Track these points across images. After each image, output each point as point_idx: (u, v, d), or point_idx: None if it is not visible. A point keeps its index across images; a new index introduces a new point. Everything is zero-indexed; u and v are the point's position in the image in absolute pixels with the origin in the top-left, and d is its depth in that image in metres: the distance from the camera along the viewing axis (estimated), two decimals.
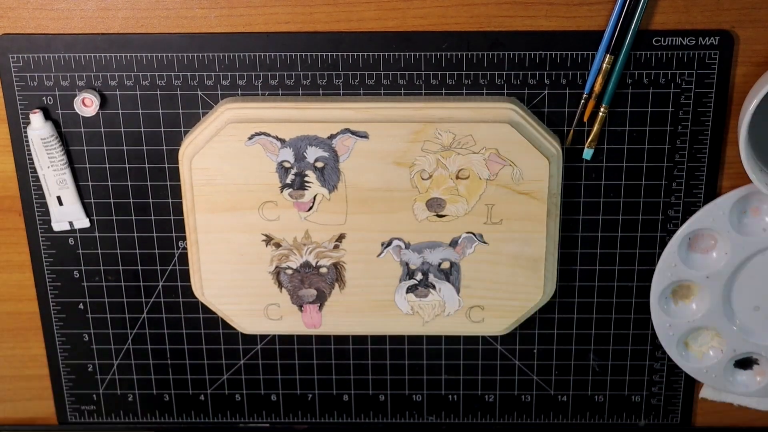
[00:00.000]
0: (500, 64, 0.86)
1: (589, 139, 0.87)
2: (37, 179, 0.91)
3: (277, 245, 0.90)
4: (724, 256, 0.90)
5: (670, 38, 0.84)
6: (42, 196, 0.91)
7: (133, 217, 0.92)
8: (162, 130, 0.89)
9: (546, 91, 0.87)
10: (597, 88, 0.85)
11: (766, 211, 0.89)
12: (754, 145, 0.84)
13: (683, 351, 0.95)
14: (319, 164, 0.87)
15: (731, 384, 0.96)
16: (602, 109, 0.86)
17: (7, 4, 0.85)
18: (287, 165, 0.87)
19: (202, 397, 1.00)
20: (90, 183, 0.91)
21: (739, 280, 0.92)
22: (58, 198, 0.90)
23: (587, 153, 0.88)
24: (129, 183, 0.91)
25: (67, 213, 0.91)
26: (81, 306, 0.96)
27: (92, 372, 0.99)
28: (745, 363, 0.96)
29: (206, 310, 0.95)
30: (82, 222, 0.92)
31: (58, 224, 0.92)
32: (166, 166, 0.90)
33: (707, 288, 0.92)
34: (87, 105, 0.87)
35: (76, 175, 0.91)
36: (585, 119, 0.86)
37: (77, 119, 0.89)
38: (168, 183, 0.91)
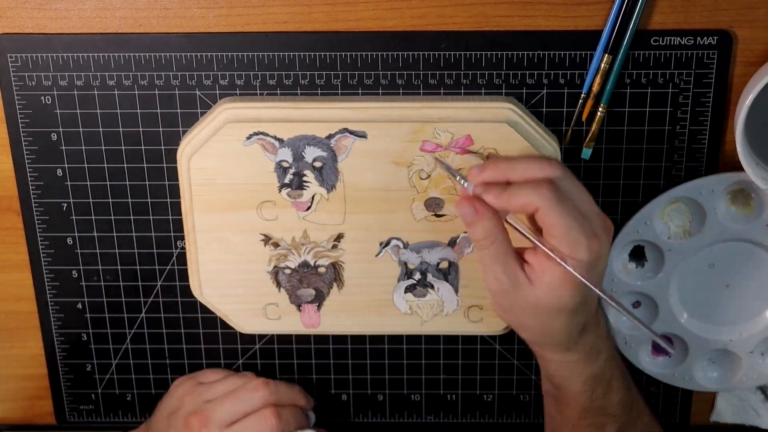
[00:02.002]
0: (498, 63, 0.86)
1: (588, 139, 0.87)
2: (36, 179, 0.91)
3: (276, 245, 0.90)
4: (659, 262, 0.91)
5: (668, 38, 0.84)
6: (40, 196, 0.91)
7: (132, 217, 0.92)
8: (160, 129, 0.89)
9: (544, 91, 0.87)
10: (595, 87, 0.85)
11: (691, 215, 0.89)
12: (751, 140, 0.84)
13: (647, 358, 0.95)
14: (318, 164, 0.87)
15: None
16: (600, 109, 0.86)
17: (6, 4, 0.85)
18: (285, 165, 0.87)
19: None
20: (88, 183, 0.91)
21: (683, 283, 0.92)
22: None
23: (585, 152, 0.88)
24: (127, 183, 0.91)
25: None
26: (79, 306, 0.96)
27: (91, 371, 0.99)
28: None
29: (205, 309, 0.95)
30: None
31: None
32: (165, 165, 0.90)
33: (652, 295, 0.92)
34: None
35: (75, 176, 0.91)
36: (583, 119, 0.86)
37: (75, 119, 0.89)
38: (166, 183, 0.91)
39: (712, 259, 0.91)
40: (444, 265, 0.90)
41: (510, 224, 0.79)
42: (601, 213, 0.78)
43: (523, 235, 0.78)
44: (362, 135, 0.86)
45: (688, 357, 0.94)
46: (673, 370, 0.95)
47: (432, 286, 0.91)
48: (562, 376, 0.85)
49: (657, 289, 0.91)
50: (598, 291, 0.78)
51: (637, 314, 0.93)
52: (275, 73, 0.87)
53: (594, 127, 0.87)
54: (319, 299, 0.92)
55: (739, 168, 0.83)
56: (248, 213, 0.88)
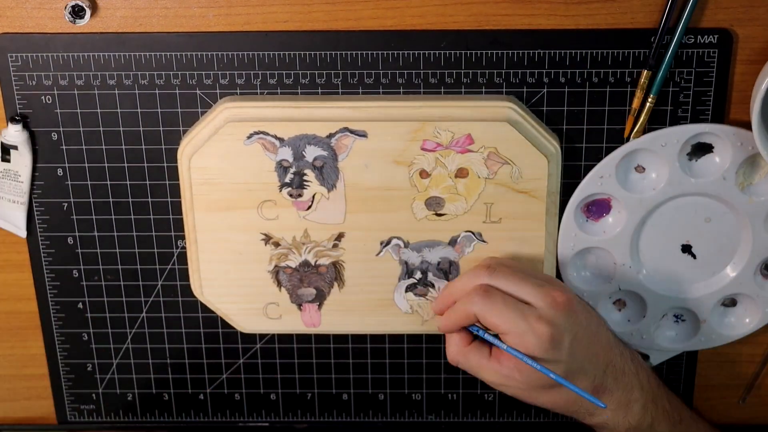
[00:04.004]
0: (499, 62, 0.86)
1: (636, 130, 0.87)
2: (36, 178, 0.91)
3: (276, 244, 0.90)
4: (620, 217, 0.89)
5: (668, 36, 0.84)
6: (41, 196, 0.91)
7: (132, 217, 0.92)
8: (161, 129, 0.89)
9: (545, 90, 0.87)
10: (635, 103, 0.86)
11: (651, 169, 0.88)
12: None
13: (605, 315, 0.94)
14: (318, 163, 0.87)
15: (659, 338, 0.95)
16: (650, 100, 0.85)
17: (6, 4, 0.85)
18: (286, 164, 0.87)
19: (201, 397, 1.00)
20: (89, 182, 0.91)
21: (642, 239, 0.91)
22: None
23: None
24: (128, 182, 0.91)
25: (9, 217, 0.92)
26: (80, 305, 0.96)
27: (91, 371, 0.99)
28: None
29: (205, 309, 0.95)
30: (20, 232, 0.93)
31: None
32: (165, 165, 0.90)
33: (612, 251, 0.91)
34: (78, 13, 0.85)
35: (75, 175, 0.91)
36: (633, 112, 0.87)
37: (76, 118, 0.89)
38: (167, 182, 0.91)
39: (673, 213, 0.90)
40: (445, 264, 0.90)
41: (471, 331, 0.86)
42: (546, 292, 0.82)
43: (480, 338, 0.86)
44: (363, 134, 0.86)
45: (646, 315, 0.93)
46: (630, 328, 0.94)
47: (433, 285, 0.91)
48: None
49: (616, 243, 0.90)
50: (556, 377, 0.81)
51: (598, 270, 0.92)
52: (275, 72, 0.87)
53: (643, 118, 0.86)
54: (319, 298, 0.92)
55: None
56: (249, 212, 0.88)
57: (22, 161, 0.89)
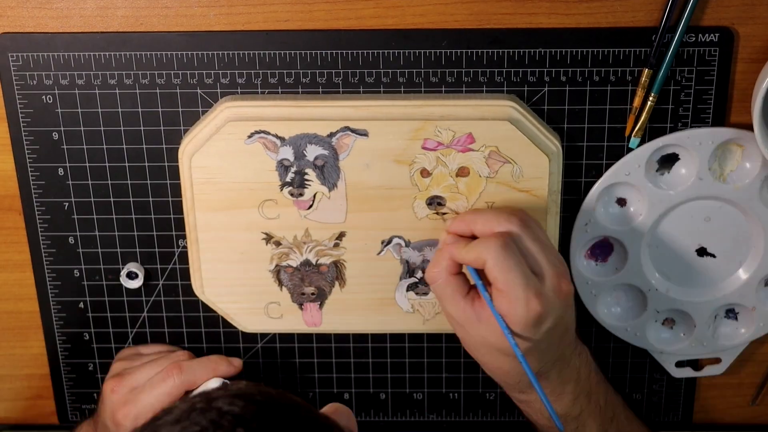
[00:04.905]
0: (500, 61, 0.86)
1: (637, 128, 0.87)
2: (38, 178, 0.91)
3: (277, 243, 0.90)
4: (641, 209, 0.89)
5: (669, 35, 0.84)
6: (42, 195, 0.91)
7: (133, 216, 0.92)
8: (161, 128, 0.89)
9: (546, 89, 0.87)
10: (636, 102, 0.86)
11: (680, 165, 0.89)
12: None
13: (605, 309, 0.94)
14: (319, 162, 0.87)
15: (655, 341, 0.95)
16: (651, 98, 0.85)
17: (7, 3, 0.85)
18: (287, 163, 0.87)
19: None
20: (90, 182, 0.91)
21: (658, 236, 0.91)
22: None
23: (633, 142, 0.87)
24: (129, 181, 0.91)
25: None
26: (81, 305, 0.96)
27: (93, 371, 0.99)
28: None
29: (206, 308, 0.95)
30: None
31: None
32: (166, 164, 0.90)
33: (627, 244, 0.91)
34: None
35: (76, 175, 0.91)
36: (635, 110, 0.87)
37: (77, 118, 0.89)
38: (168, 181, 0.91)
39: (689, 215, 0.90)
40: None
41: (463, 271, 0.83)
42: (558, 274, 0.80)
43: (474, 283, 0.81)
44: (364, 133, 0.86)
45: (644, 312, 0.93)
46: (626, 323, 0.94)
47: None
48: (527, 413, 0.90)
49: (631, 236, 0.90)
50: (519, 354, 0.80)
51: (608, 257, 0.93)
52: (276, 71, 0.87)
53: (644, 116, 0.86)
54: (321, 298, 0.92)
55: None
56: (250, 212, 0.88)
57: None
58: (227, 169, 0.87)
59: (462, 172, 0.87)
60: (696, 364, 0.97)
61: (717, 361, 0.96)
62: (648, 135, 0.88)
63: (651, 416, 1.00)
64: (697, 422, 1.00)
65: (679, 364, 0.96)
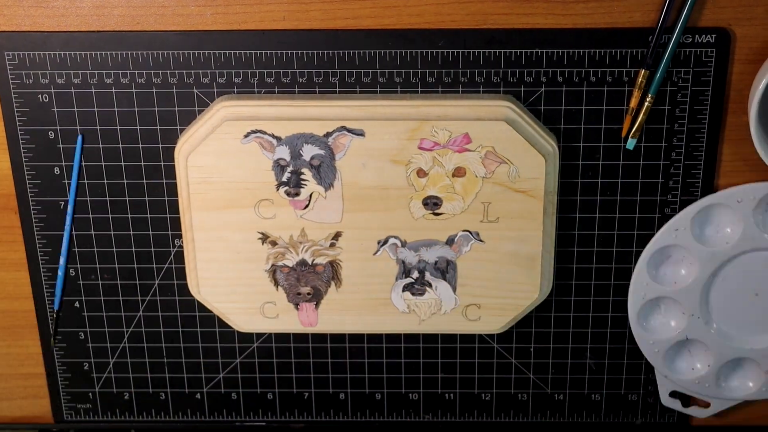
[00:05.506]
0: (496, 61, 0.86)
1: (634, 129, 0.87)
2: (33, 177, 0.91)
3: (273, 243, 0.90)
4: (693, 269, 0.91)
5: (666, 36, 0.84)
6: (38, 194, 0.91)
7: (129, 215, 0.92)
8: (158, 127, 0.89)
9: (542, 89, 0.87)
10: (633, 103, 0.86)
11: (725, 223, 0.90)
12: (765, 124, 0.84)
13: (671, 364, 0.95)
14: (315, 162, 0.87)
15: (725, 390, 0.96)
16: (648, 99, 0.85)
17: (3, 2, 0.85)
18: (283, 163, 0.87)
19: (198, 396, 1.00)
20: (86, 181, 0.91)
21: (713, 291, 0.92)
22: None
23: (630, 143, 0.87)
24: (125, 181, 0.91)
25: None
26: (77, 304, 0.96)
27: (88, 370, 0.99)
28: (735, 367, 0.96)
29: (202, 308, 0.95)
30: None
31: None
32: (162, 164, 0.90)
33: (682, 302, 0.92)
34: None
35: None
36: (623, 134, 0.87)
37: (72, 117, 0.88)
38: (164, 181, 0.91)
39: (744, 266, 0.91)
40: (442, 263, 0.90)
41: None
42: None
43: None
44: (360, 133, 0.85)
45: (711, 365, 0.94)
46: (695, 376, 0.95)
47: (430, 285, 0.91)
48: None
49: (686, 294, 0.91)
50: None
51: (666, 319, 0.94)
52: (273, 71, 0.87)
53: (641, 117, 0.86)
54: (316, 298, 0.92)
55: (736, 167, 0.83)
56: (246, 211, 0.88)
57: None
58: (223, 168, 0.87)
59: (458, 172, 0.87)
60: (687, 400, 0.97)
61: (707, 404, 0.97)
62: (644, 136, 0.88)
63: (647, 417, 1.00)
64: (693, 423, 1.00)
65: (673, 395, 0.97)
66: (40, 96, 0.88)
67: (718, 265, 0.91)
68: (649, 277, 0.91)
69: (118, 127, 0.89)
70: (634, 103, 0.86)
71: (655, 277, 0.92)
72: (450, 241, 0.89)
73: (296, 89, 0.87)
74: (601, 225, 0.92)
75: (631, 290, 0.92)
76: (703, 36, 0.84)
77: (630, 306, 0.93)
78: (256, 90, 0.87)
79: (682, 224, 0.89)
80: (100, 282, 0.95)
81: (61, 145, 0.90)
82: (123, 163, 0.90)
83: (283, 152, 0.86)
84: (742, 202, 0.88)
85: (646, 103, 0.86)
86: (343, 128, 0.85)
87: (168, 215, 0.92)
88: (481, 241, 0.89)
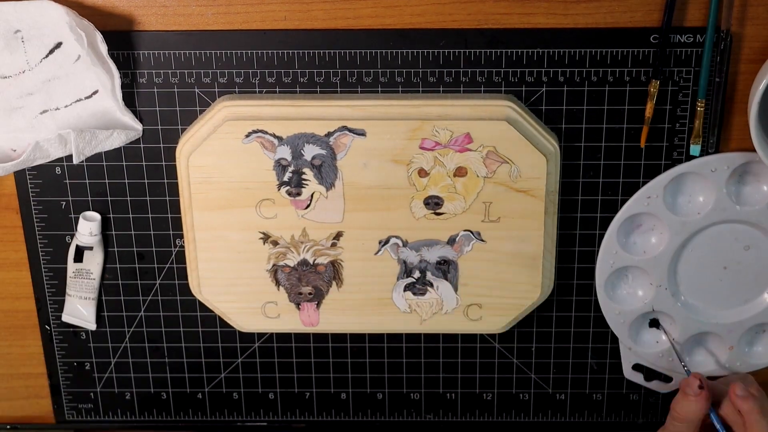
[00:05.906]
0: (498, 61, 0.86)
1: (693, 135, 0.86)
2: (35, 177, 0.91)
3: (275, 243, 0.90)
4: (663, 238, 0.90)
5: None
6: (39, 195, 0.91)
7: (131, 215, 0.92)
8: (159, 127, 0.89)
9: (544, 89, 0.87)
10: (648, 113, 0.86)
11: (698, 192, 0.89)
12: (764, 124, 0.84)
13: (635, 336, 0.95)
14: (317, 162, 0.87)
15: (689, 365, 0.95)
16: (699, 104, 0.85)
17: None
18: (284, 163, 0.87)
19: (199, 396, 1.00)
20: (87, 181, 0.91)
21: (681, 263, 0.92)
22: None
23: (694, 149, 0.87)
24: (126, 181, 0.91)
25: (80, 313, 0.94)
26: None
27: (89, 370, 0.99)
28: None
29: (204, 308, 0.95)
30: (90, 325, 0.95)
31: (68, 317, 0.95)
32: (164, 163, 0.90)
33: (650, 272, 0.91)
34: None
35: (74, 174, 0.91)
36: (642, 144, 0.87)
37: None
38: (165, 181, 0.91)
39: (714, 239, 0.90)
40: (443, 263, 0.90)
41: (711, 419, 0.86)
42: None
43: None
44: (361, 133, 0.85)
45: (676, 338, 0.93)
46: (659, 349, 0.94)
47: (431, 285, 0.91)
48: None
49: (655, 264, 0.91)
50: None
51: (633, 289, 0.93)
52: (274, 70, 0.87)
53: (697, 123, 0.86)
54: (318, 297, 0.92)
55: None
56: (247, 211, 0.88)
57: (94, 260, 0.92)
58: (225, 168, 0.87)
59: (459, 172, 0.87)
60: (650, 374, 0.97)
61: (669, 379, 0.97)
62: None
63: (648, 417, 0.99)
64: None
65: (636, 368, 0.97)
66: None
67: (688, 236, 0.90)
68: (618, 245, 0.90)
69: None
70: (648, 112, 0.86)
71: (624, 246, 0.91)
72: (451, 241, 0.89)
73: (297, 89, 0.87)
74: (602, 225, 0.91)
75: (599, 258, 0.91)
76: (705, 36, 0.84)
77: (597, 275, 0.92)
78: (257, 90, 0.87)
79: (654, 192, 0.88)
80: (101, 282, 0.95)
81: None
82: (124, 163, 0.90)
83: (285, 152, 0.86)
84: (716, 171, 0.87)
85: (698, 109, 0.85)
86: (345, 128, 0.85)
87: (169, 215, 0.92)
88: (482, 240, 0.89)
